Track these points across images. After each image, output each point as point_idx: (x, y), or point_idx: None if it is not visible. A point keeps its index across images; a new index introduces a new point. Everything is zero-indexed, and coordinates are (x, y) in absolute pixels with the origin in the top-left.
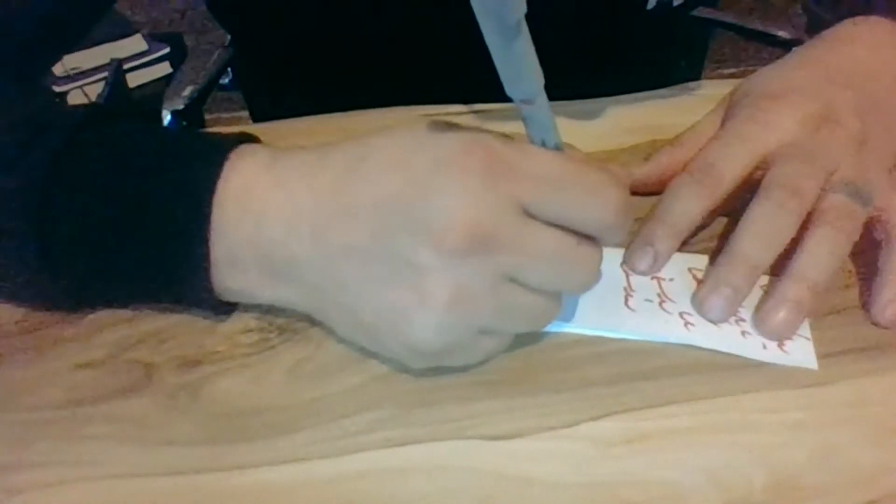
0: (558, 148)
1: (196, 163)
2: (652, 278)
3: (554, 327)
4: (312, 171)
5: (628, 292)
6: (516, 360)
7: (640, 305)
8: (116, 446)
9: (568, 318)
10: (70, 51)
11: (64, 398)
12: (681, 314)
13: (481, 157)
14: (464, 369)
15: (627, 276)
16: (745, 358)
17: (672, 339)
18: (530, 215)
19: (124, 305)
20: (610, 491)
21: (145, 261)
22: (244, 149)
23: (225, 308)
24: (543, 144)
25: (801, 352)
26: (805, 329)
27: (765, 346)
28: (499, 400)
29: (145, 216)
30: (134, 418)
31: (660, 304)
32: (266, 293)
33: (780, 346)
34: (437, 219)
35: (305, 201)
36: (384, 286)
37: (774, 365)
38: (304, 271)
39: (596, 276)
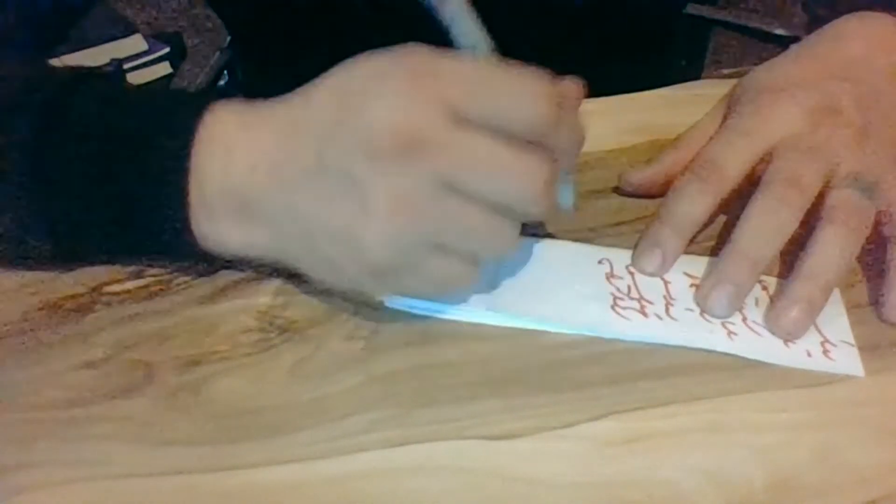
0: (492, 54)
1: (180, 109)
2: (691, 285)
3: (586, 331)
4: (274, 112)
5: (668, 301)
6: (516, 360)
7: (681, 315)
8: (116, 446)
9: (607, 323)
10: (61, 44)
11: (64, 398)
12: (723, 324)
13: (408, 65)
14: (463, 368)
15: (667, 284)
16: (746, 358)
17: (716, 348)
18: (463, 120)
19: (115, 259)
20: (610, 491)
21: (130, 202)
22: (224, 101)
23: (205, 259)
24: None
25: (846, 359)
26: (848, 335)
27: (809, 355)
28: (499, 400)
29: (130, 158)
30: (134, 418)
31: (701, 313)
32: (235, 236)
33: (826, 353)
34: (366, 127)
35: (266, 140)
36: (331, 205)
37: (774, 365)
38: (266, 208)
39: (542, 188)
